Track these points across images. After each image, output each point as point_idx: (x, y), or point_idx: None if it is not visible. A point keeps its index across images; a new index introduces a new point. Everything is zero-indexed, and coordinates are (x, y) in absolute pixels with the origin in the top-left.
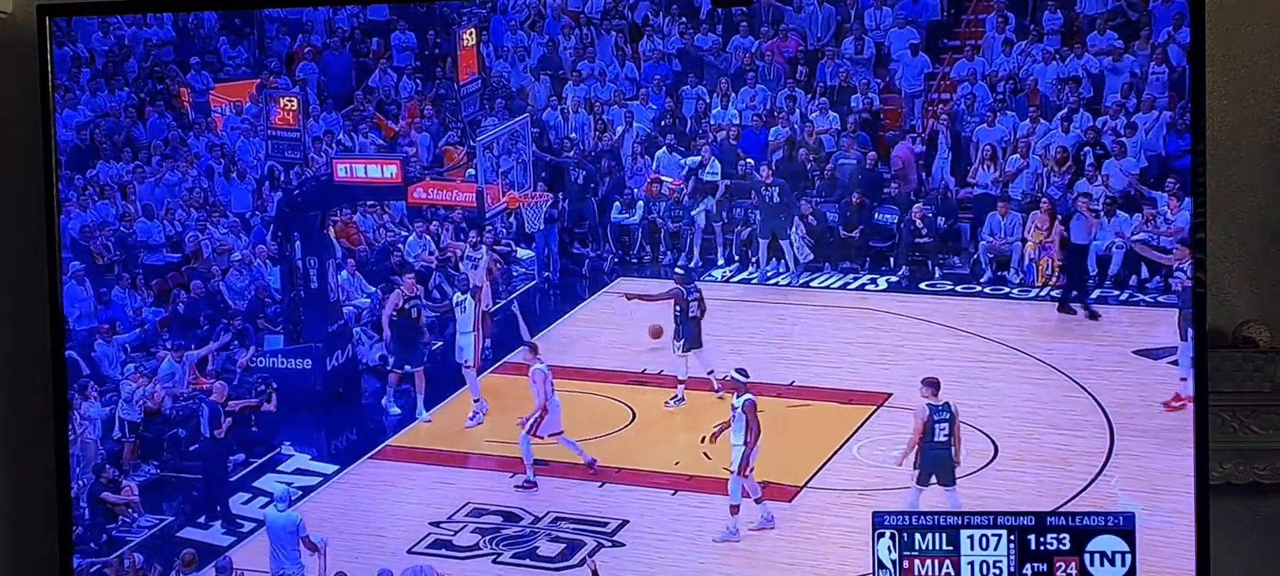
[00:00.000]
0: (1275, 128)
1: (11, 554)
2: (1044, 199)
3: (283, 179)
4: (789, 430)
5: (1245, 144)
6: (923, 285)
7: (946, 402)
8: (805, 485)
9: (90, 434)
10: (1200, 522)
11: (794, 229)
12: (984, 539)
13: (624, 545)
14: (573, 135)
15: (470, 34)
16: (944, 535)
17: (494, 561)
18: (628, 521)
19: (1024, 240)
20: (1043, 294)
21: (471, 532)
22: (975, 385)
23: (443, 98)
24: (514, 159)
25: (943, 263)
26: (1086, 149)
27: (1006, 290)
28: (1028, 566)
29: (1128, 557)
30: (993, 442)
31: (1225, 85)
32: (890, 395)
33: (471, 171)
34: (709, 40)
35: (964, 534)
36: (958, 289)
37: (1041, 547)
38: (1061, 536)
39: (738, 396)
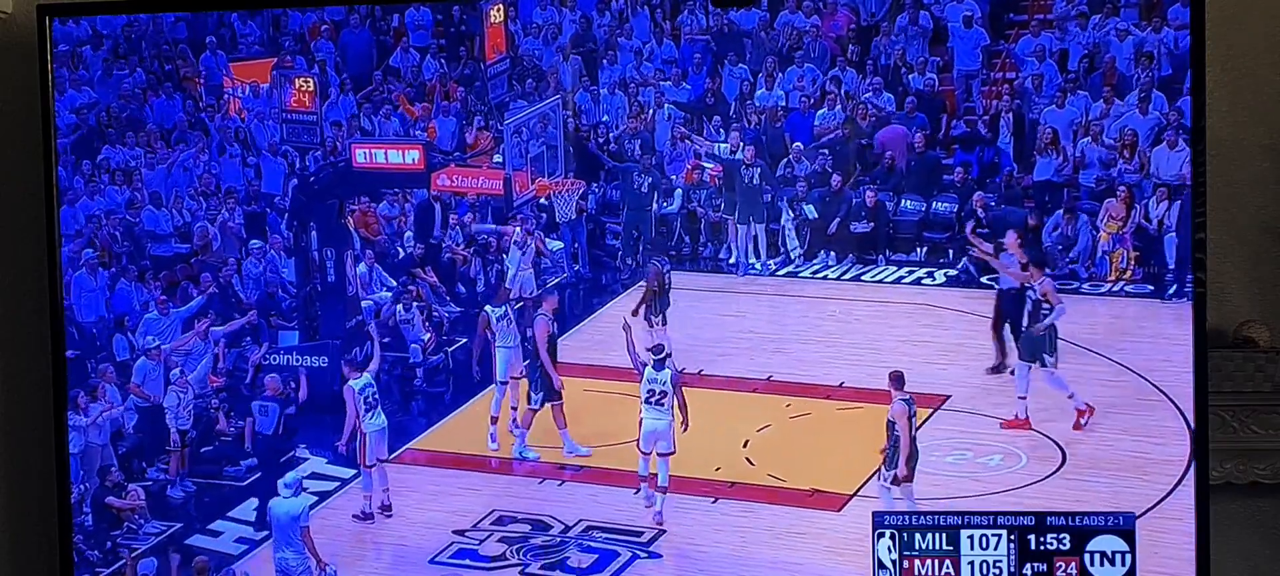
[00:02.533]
0: (1275, 128)
1: (13, 554)
2: (1121, 187)
3: (298, 165)
4: (839, 434)
5: (1245, 144)
6: (985, 278)
7: (910, 394)
8: (856, 493)
9: (95, 438)
10: (1200, 522)
11: (787, 216)
12: (984, 539)
13: (660, 557)
14: (605, 117)
15: (498, 10)
16: (944, 535)
17: (521, 572)
18: (664, 531)
19: (1096, 229)
20: (1117, 288)
21: (498, 542)
22: (1040, 386)
23: (468, 78)
24: (543, 144)
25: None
26: (1168, 131)
27: (1076, 285)
28: (1028, 566)
29: (1128, 557)
30: (1061, 449)
31: (1225, 85)
32: (949, 397)
33: (498, 157)
34: (754, 17)
35: (964, 534)
36: None
37: (1041, 547)
38: (1061, 536)
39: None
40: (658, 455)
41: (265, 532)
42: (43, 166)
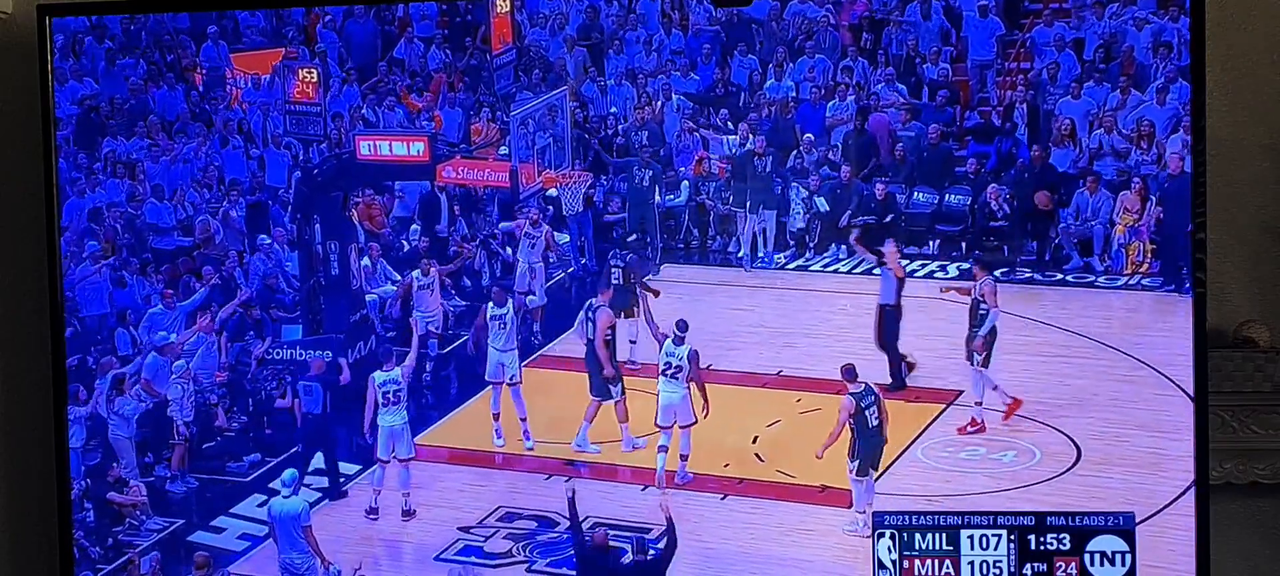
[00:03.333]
0: (1275, 128)
1: (13, 554)
2: (1136, 179)
3: (301, 157)
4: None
5: (1245, 144)
6: (997, 272)
7: (867, 385)
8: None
9: (123, 431)
10: (1200, 522)
11: (794, 205)
12: (984, 539)
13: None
14: (614, 109)
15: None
16: (944, 535)
17: (528, 570)
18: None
19: (1113, 221)
20: (1132, 282)
21: (504, 538)
22: (1056, 381)
23: (474, 69)
24: (550, 136)
25: (1019, 248)
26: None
27: (1091, 278)
28: (1028, 566)
29: (1128, 557)
30: (1075, 445)
31: (1225, 85)
32: (961, 392)
33: (504, 149)
34: (765, 6)
35: (964, 534)
36: (1037, 277)
37: (1041, 547)
38: (1061, 536)
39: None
40: (680, 428)
41: (267, 530)
42: (43, 166)
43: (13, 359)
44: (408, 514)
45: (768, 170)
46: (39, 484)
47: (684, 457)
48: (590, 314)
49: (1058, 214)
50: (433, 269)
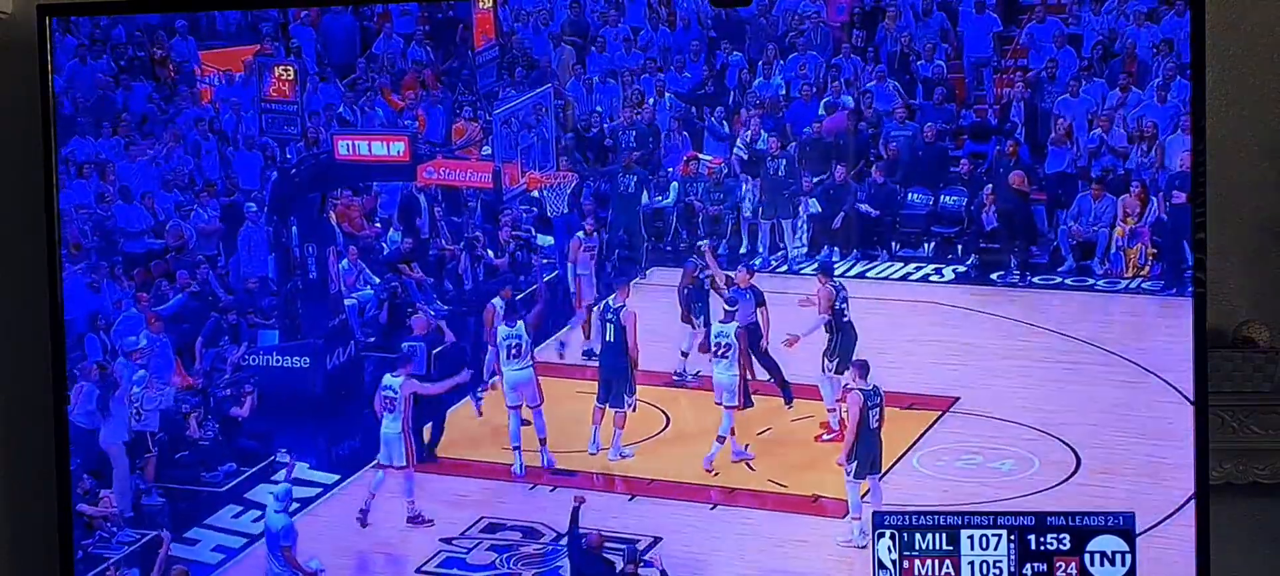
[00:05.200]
0: (1275, 128)
1: (12, 554)
2: (1136, 182)
3: (278, 157)
4: None
5: (1245, 144)
6: (994, 276)
7: (875, 385)
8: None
9: (117, 437)
10: (1200, 522)
11: (802, 208)
12: (984, 539)
13: (655, 565)
14: (599, 109)
15: None
16: (944, 535)
17: None
18: (660, 539)
19: (1114, 224)
20: (1133, 286)
21: (486, 550)
22: (1055, 387)
23: (456, 68)
24: (535, 135)
25: (1017, 250)
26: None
27: (1091, 281)
28: (1028, 566)
29: (1128, 557)
30: (1075, 453)
31: (1225, 85)
32: (958, 399)
33: (487, 149)
34: (754, 4)
35: (964, 534)
36: (1035, 280)
37: (1041, 547)
38: (1061, 536)
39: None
40: (724, 408)
41: (243, 542)
42: (43, 166)
43: (13, 358)
44: (414, 520)
45: (780, 173)
46: (39, 485)
47: (721, 439)
48: (613, 317)
49: (1054, 214)
50: (508, 293)
